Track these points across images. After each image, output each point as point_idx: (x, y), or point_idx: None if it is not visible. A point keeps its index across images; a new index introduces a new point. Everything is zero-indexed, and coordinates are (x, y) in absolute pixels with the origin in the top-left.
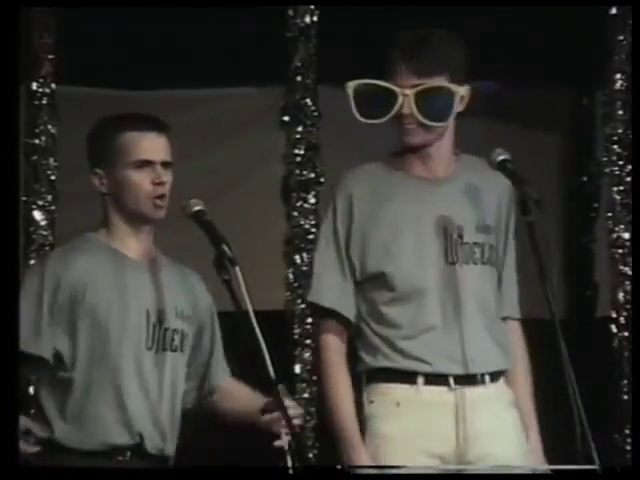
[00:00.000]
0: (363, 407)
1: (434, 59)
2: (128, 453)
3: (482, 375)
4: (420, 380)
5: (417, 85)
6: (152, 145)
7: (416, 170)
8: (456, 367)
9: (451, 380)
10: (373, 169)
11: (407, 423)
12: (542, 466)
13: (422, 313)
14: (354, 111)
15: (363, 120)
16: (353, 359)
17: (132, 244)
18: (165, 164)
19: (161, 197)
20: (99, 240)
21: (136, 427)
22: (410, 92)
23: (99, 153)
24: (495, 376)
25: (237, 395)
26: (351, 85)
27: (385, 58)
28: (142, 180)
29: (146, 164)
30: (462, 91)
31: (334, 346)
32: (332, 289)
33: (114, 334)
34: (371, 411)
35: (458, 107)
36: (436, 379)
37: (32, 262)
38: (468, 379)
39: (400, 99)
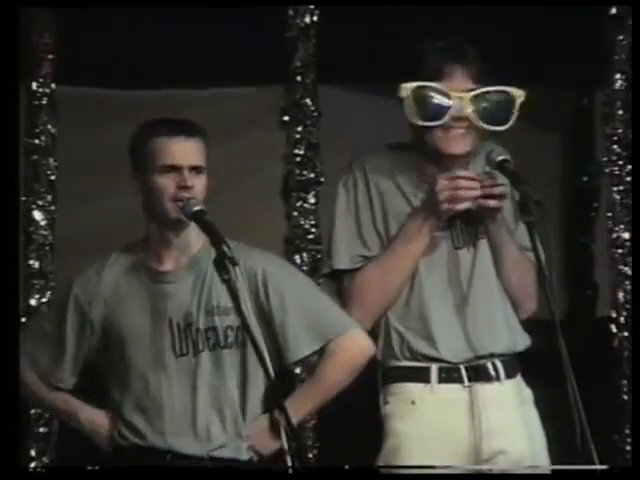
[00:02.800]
0: (380, 409)
1: (482, 64)
2: (168, 456)
3: (496, 370)
4: (434, 377)
5: (473, 89)
6: (179, 150)
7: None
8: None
9: (465, 378)
10: (388, 155)
11: (423, 421)
12: (542, 466)
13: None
14: (409, 113)
15: (419, 123)
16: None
17: (163, 252)
18: (195, 168)
19: (187, 200)
20: (130, 255)
21: (172, 432)
22: (465, 95)
23: (136, 159)
24: (511, 371)
25: None
26: (408, 87)
27: (425, 59)
28: (167, 184)
29: (172, 169)
30: (521, 96)
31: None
32: (353, 256)
33: (133, 352)
34: (387, 411)
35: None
36: (449, 376)
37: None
38: (482, 375)
39: (455, 102)
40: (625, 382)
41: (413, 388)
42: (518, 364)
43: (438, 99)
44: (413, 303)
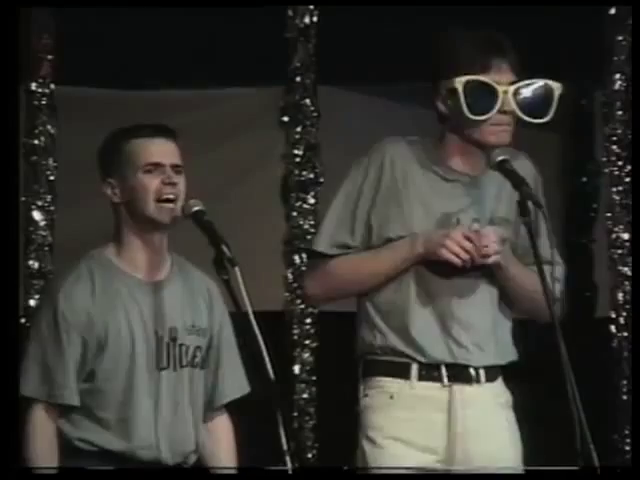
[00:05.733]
0: (359, 401)
1: (520, 56)
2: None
3: (477, 372)
4: (414, 374)
5: (514, 82)
6: (161, 149)
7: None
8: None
9: (444, 377)
10: (413, 148)
11: (399, 415)
12: (541, 466)
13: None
14: (463, 107)
15: (471, 117)
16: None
17: (141, 260)
18: (175, 167)
19: (171, 201)
20: (105, 260)
21: (150, 449)
22: (509, 88)
23: (110, 163)
24: (491, 375)
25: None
26: (461, 81)
27: (467, 52)
28: (152, 181)
29: (156, 167)
30: (559, 88)
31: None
32: (333, 242)
33: (122, 362)
34: (365, 404)
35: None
36: (429, 374)
37: (41, 299)
38: (462, 376)
39: (501, 96)
40: (625, 382)
41: (392, 383)
42: (500, 368)
43: (486, 93)
44: (399, 302)
